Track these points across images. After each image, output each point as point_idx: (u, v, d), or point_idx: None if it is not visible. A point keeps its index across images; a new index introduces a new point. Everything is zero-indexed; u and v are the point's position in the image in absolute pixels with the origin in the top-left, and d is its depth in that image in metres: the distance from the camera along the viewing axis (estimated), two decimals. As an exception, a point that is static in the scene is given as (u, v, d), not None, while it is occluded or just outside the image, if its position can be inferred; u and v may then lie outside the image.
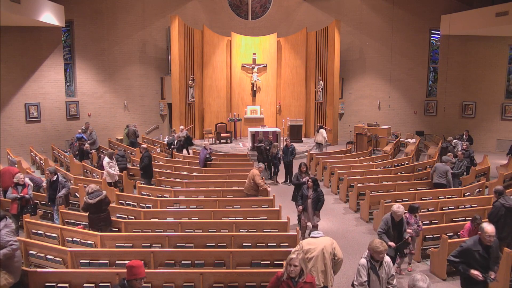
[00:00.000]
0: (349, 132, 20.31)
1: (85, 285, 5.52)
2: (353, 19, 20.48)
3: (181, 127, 16.61)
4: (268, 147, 13.26)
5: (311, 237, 5.24)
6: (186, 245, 6.81)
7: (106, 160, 10.81)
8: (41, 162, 13.72)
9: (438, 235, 7.40)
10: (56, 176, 8.87)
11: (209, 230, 7.57)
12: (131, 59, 18.96)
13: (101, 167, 11.54)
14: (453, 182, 10.72)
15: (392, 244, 6.14)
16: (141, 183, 10.86)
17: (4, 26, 14.39)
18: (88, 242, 6.89)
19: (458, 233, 7.54)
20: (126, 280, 4.14)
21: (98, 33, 17.77)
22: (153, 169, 12.27)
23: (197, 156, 14.82)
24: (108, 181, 10.73)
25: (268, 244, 6.86)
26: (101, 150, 15.74)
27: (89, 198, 7.35)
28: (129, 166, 12.63)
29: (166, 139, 16.87)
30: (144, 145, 12.37)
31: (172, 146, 15.39)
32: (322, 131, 16.89)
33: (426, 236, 7.55)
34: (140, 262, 4.25)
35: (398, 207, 6.27)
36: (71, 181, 11.16)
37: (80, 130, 15.74)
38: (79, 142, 14.66)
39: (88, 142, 14.75)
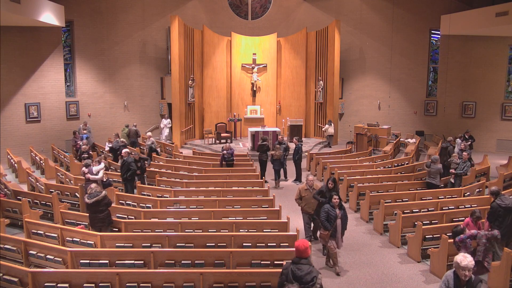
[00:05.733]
0: (349, 132, 20.31)
1: (85, 285, 5.51)
2: (353, 19, 20.48)
3: (149, 133, 15.22)
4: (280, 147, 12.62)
5: None
6: (186, 245, 6.81)
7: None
8: (41, 162, 13.72)
9: (438, 235, 7.39)
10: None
11: (209, 230, 7.57)
12: (131, 59, 18.96)
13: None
14: (455, 183, 10.74)
15: None
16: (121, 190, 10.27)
17: (4, 26, 14.39)
18: (88, 242, 6.89)
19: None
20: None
21: (98, 33, 17.77)
22: (153, 169, 12.29)
23: (197, 157, 14.93)
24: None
25: (268, 244, 6.87)
26: (101, 151, 15.73)
27: (87, 198, 7.45)
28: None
29: (110, 144, 14.58)
30: (127, 150, 11.10)
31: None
32: (332, 124, 18.25)
33: (426, 236, 7.54)
34: (305, 244, 4.42)
35: (464, 256, 4.19)
36: (71, 181, 11.19)
37: (85, 131, 15.77)
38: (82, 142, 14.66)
39: (81, 141, 14.74)
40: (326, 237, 6.94)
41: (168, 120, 18.58)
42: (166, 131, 18.44)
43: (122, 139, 14.11)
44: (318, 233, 7.44)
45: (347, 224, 7.16)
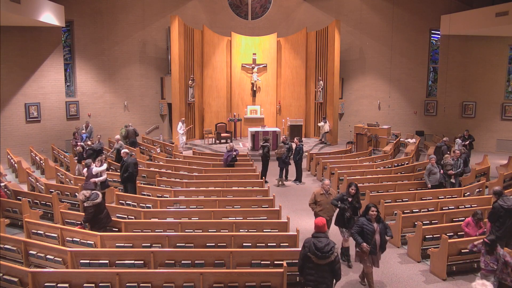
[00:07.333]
0: (349, 132, 20.30)
1: (85, 285, 5.52)
2: (353, 19, 20.48)
3: (117, 136, 14.28)
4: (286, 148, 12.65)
5: None
6: (186, 245, 6.81)
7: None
8: (41, 162, 13.72)
9: (438, 235, 7.40)
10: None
11: (209, 230, 7.57)
12: (131, 59, 18.95)
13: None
14: (455, 182, 10.74)
15: None
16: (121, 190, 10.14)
17: (4, 26, 14.39)
18: (88, 242, 6.89)
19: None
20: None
21: (98, 33, 17.76)
22: (153, 169, 12.28)
23: (197, 157, 14.92)
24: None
25: (268, 244, 6.87)
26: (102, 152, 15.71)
27: (95, 199, 7.26)
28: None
29: (93, 145, 13.72)
30: (126, 150, 10.82)
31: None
32: (327, 121, 18.89)
33: (426, 236, 7.54)
34: (322, 221, 5.25)
35: (484, 286, 4.06)
36: (71, 181, 11.18)
37: (83, 131, 15.74)
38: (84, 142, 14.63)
39: (82, 141, 14.71)
40: (364, 254, 6.10)
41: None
42: (183, 138, 17.35)
43: (88, 143, 13.93)
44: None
45: (387, 241, 6.34)
